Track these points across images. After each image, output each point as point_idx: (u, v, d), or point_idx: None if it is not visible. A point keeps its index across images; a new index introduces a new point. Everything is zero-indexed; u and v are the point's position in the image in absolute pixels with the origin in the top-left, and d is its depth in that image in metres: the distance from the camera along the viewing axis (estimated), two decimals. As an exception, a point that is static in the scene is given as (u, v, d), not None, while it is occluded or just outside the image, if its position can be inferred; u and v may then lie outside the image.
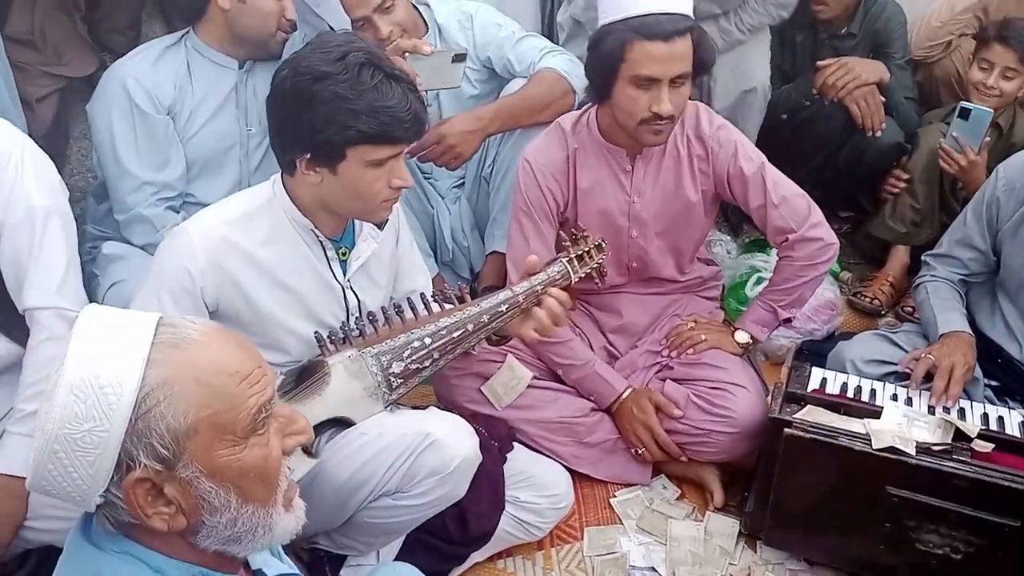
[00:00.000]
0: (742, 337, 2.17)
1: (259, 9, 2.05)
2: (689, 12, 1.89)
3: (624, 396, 2.09)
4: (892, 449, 1.73)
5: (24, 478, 1.62)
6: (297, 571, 1.18)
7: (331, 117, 1.46)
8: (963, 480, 1.67)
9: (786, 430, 1.75)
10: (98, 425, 0.87)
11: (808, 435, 1.76)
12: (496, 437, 1.90)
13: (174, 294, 1.55)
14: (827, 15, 2.75)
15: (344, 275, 1.70)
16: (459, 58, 2.11)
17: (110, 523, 0.95)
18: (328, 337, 1.64)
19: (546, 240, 2.10)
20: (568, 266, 1.80)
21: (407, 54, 2.02)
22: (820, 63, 2.69)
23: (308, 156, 1.51)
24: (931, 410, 1.93)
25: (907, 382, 2.01)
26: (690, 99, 2.01)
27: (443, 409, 1.86)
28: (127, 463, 0.89)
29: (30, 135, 1.86)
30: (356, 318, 1.71)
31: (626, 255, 2.18)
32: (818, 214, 2.09)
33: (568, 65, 2.32)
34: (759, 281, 2.58)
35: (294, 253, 1.63)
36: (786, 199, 2.06)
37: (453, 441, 1.60)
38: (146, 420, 0.89)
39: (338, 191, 1.55)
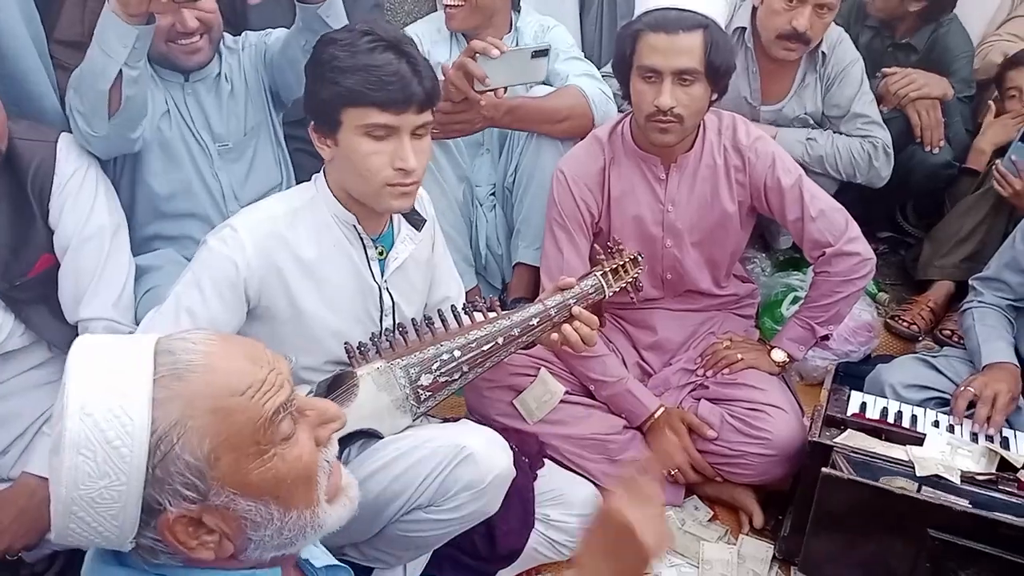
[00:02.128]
0: (779, 356, 2.14)
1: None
2: (707, 11, 1.89)
3: (656, 415, 2.06)
4: (935, 487, 1.68)
5: None
6: (341, 564, 1.15)
7: (323, 75, 1.49)
8: (1008, 528, 1.60)
9: (823, 470, 1.70)
10: (114, 481, 0.82)
11: (846, 476, 1.70)
12: (527, 453, 1.87)
13: (216, 283, 1.54)
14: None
15: (382, 275, 1.69)
16: (540, 53, 2.09)
17: (146, 563, 0.90)
18: (358, 348, 1.62)
19: (580, 251, 2.08)
20: (602, 280, 1.78)
21: (478, 56, 2.02)
22: (886, 70, 2.67)
23: (313, 123, 1.55)
24: (974, 438, 1.89)
25: (946, 408, 1.97)
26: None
27: (475, 422, 1.84)
28: (156, 507, 0.85)
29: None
30: (387, 329, 1.69)
31: (660, 266, 2.16)
32: (855, 229, 2.07)
33: (596, 93, 2.32)
34: (795, 300, 2.55)
35: (337, 251, 1.62)
36: (823, 212, 2.04)
37: (488, 455, 1.57)
38: (164, 466, 0.84)
39: (344, 167, 1.55)
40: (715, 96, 1.97)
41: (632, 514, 1.04)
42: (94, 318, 1.72)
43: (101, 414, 0.82)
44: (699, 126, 2.05)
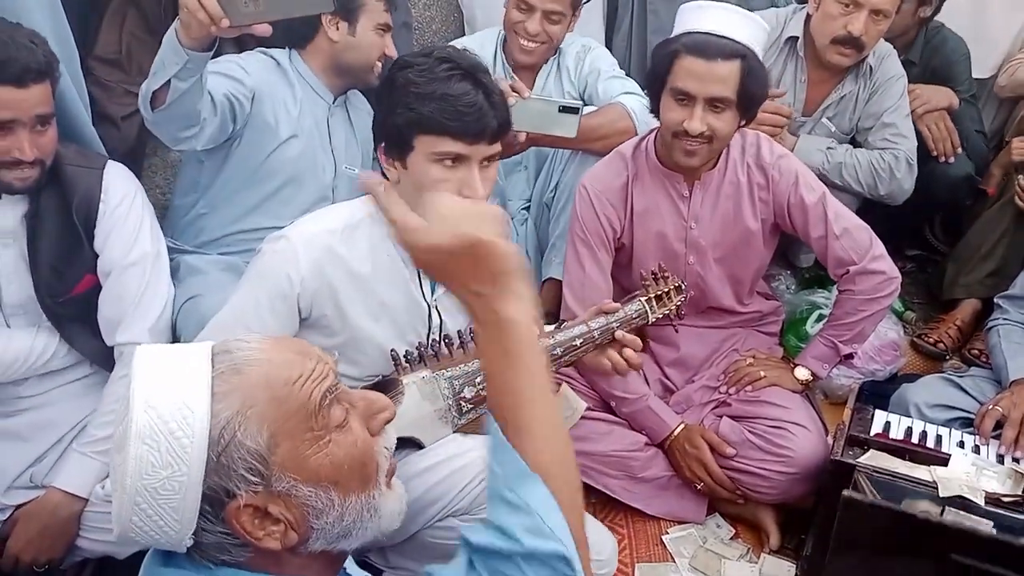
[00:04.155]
0: (802, 374, 2.14)
1: (367, 44, 2.11)
2: (745, 40, 1.90)
3: (676, 433, 2.06)
4: (958, 509, 1.67)
5: (80, 498, 1.68)
6: None
7: (400, 100, 1.50)
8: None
9: (844, 493, 1.68)
10: (176, 471, 0.86)
11: (867, 500, 1.68)
12: None
13: (271, 298, 1.57)
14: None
15: (432, 295, 1.71)
16: (569, 110, 2.09)
17: (208, 561, 0.93)
18: (404, 357, 1.65)
19: (602, 267, 2.10)
20: (646, 305, 1.79)
21: None
22: None
23: (384, 145, 1.56)
24: (1000, 459, 1.87)
25: (972, 429, 1.96)
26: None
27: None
28: (222, 497, 0.88)
29: (112, 153, 1.95)
30: (433, 340, 1.71)
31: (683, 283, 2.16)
32: (880, 247, 2.07)
33: (640, 107, 2.34)
34: (820, 318, 2.53)
35: (390, 269, 1.64)
36: (848, 230, 2.04)
37: None
38: (228, 453, 0.88)
39: (410, 191, 1.55)
40: (743, 123, 1.98)
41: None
42: (131, 342, 1.77)
43: (164, 407, 0.87)
44: (720, 151, 2.05)
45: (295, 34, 2.15)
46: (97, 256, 1.77)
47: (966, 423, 2.01)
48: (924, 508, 1.68)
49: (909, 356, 2.63)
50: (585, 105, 2.45)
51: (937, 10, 2.72)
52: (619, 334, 1.71)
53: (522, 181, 2.57)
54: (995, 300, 2.25)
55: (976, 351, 2.59)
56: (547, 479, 0.91)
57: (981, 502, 1.68)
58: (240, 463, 0.88)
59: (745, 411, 2.08)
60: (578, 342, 1.69)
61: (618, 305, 1.74)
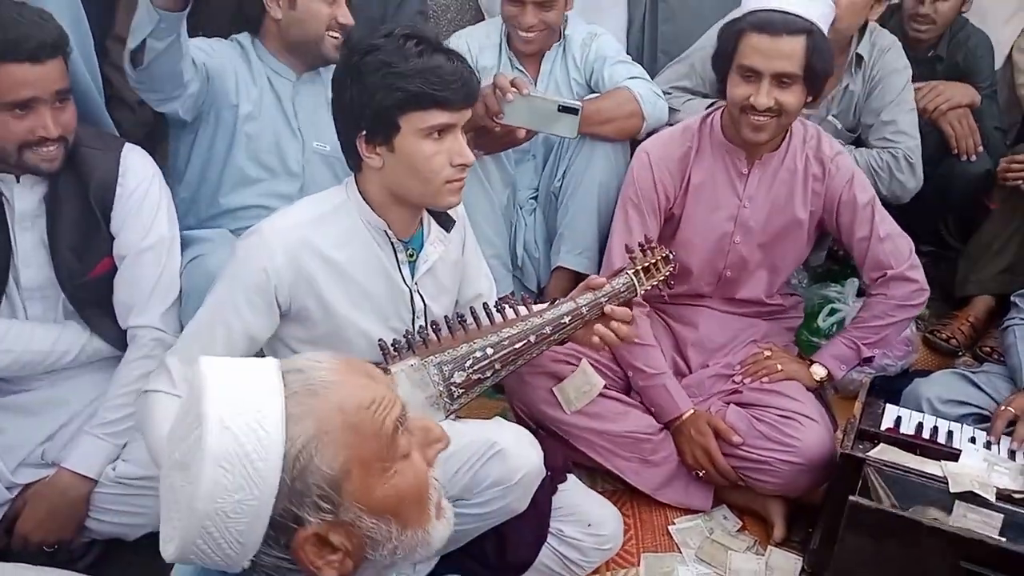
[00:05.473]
0: (819, 371, 2.14)
1: (311, 15, 2.06)
2: (811, 16, 1.92)
3: (685, 417, 2.06)
4: (969, 503, 1.65)
5: (90, 479, 1.68)
6: None
7: (379, 83, 1.49)
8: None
9: (851, 498, 1.66)
10: (248, 495, 0.83)
11: (874, 506, 1.66)
12: (551, 467, 1.81)
13: (248, 293, 1.57)
14: (928, 35, 2.70)
15: (412, 278, 1.71)
16: (568, 110, 2.10)
17: None
18: (392, 345, 1.64)
19: (649, 233, 2.09)
20: (634, 278, 1.78)
21: (497, 91, 2.05)
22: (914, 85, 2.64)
23: (364, 133, 1.54)
24: (1011, 455, 1.86)
25: (986, 425, 1.94)
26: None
27: (510, 416, 1.83)
28: (292, 524, 0.85)
29: (128, 137, 1.95)
30: (420, 327, 1.71)
31: (724, 261, 2.17)
32: (916, 259, 2.11)
33: (647, 91, 2.35)
34: (832, 312, 2.55)
35: (367, 255, 1.64)
36: (891, 236, 2.08)
37: (519, 453, 1.59)
38: (303, 479, 0.85)
39: (400, 172, 1.55)
40: (810, 98, 1.99)
41: None
42: (145, 326, 1.78)
43: (239, 428, 0.83)
44: (787, 129, 2.07)
45: (247, 20, 2.14)
46: (114, 239, 1.78)
47: (979, 419, 2.00)
48: (933, 515, 1.66)
49: (921, 352, 2.62)
50: (592, 93, 2.46)
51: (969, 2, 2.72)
52: (608, 308, 1.71)
53: (530, 170, 2.57)
54: (1012, 299, 2.23)
55: (988, 348, 2.57)
56: None
57: (992, 498, 1.66)
58: (314, 489, 0.85)
59: (755, 399, 2.07)
60: (567, 319, 1.69)
61: (604, 280, 1.74)
